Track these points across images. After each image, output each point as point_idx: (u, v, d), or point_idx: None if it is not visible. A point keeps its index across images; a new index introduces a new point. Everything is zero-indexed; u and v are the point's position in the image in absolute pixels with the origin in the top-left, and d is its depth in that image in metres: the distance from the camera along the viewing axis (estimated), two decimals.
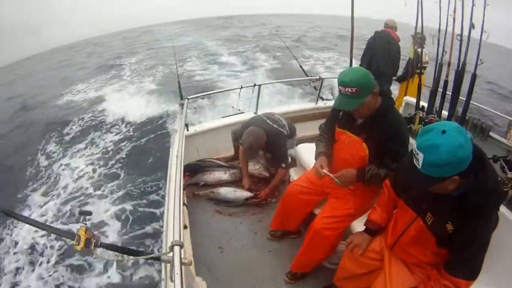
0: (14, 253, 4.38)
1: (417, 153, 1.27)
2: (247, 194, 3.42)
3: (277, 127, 3.30)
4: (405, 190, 1.72)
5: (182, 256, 1.33)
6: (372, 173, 2.03)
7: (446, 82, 2.75)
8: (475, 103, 3.08)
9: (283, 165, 3.25)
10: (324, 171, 2.13)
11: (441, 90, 2.86)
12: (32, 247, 4.43)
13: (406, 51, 5.30)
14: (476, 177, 1.30)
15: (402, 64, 5.50)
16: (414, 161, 1.30)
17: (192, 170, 3.75)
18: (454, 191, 1.34)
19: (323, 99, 4.65)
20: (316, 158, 2.35)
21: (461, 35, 2.48)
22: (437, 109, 2.98)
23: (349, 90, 1.85)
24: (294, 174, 3.13)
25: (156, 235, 4.49)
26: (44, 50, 33.92)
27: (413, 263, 1.73)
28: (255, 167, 3.73)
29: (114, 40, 31.50)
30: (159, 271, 2.94)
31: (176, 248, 1.30)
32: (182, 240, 1.45)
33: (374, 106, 1.98)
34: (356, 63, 4.21)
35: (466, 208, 1.35)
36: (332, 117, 2.35)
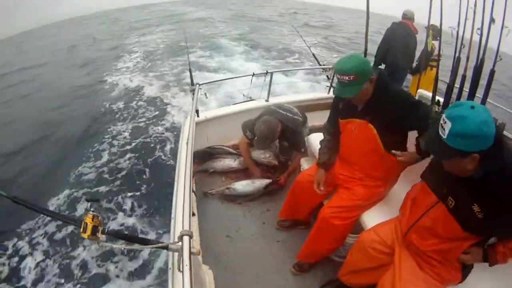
0: (18, 240, 4.37)
1: (445, 122, 1.30)
2: (266, 181, 3.36)
3: (291, 115, 3.28)
4: (430, 171, 1.75)
5: (191, 245, 1.30)
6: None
7: (463, 77, 2.66)
8: (491, 101, 2.98)
9: (303, 150, 3.25)
10: (321, 189, 2.35)
11: (458, 86, 2.78)
12: (38, 234, 4.43)
13: (422, 43, 5.17)
14: (496, 160, 1.32)
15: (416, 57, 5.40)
16: (440, 131, 1.33)
17: (201, 157, 3.74)
18: (473, 172, 1.36)
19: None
20: (318, 162, 2.45)
21: (481, 28, 2.37)
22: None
23: (347, 78, 1.86)
24: (305, 164, 3.09)
25: (163, 222, 4.48)
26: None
27: (425, 252, 1.71)
28: (265, 155, 3.68)
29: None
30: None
31: (186, 238, 1.27)
32: (191, 228, 1.42)
33: (370, 92, 2.00)
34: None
35: (491, 189, 1.36)
36: (333, 111, 2.40)
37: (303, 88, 8.63)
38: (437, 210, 1.61)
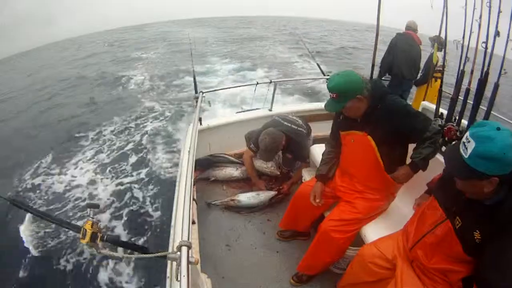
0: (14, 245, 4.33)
1: (468, 141, 1.26)
2: (272, 193, 3.35)
3: (296, 127, 3.28)
4: (440, 187, 1.71)
5: (189, 255, 1.30)
6: (421, 158, 1.99)
7: (468, 90, 2.65)
8: (495, 114, 2.98)
9: (307, 160, 3.24)
10: (317, 201, 2.34)
11: (462, 98, 2.77)
12: (35, 239, 4.39)
13: (425, 54, 5.20)
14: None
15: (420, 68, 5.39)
16: (461, 150, 1.29)
17: (203, 164, 3.73)
18: (488, 197, 1.32)
19: None
20: (317, 174, 2.48)
21: (486, 42, 2.37)
22: (456, 118, 2.88)
23: (331, 95, 1.99)
24: (306, 175, 3.07)
25: (163, 228, 4.46)
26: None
27: (429, 270, 1.67)
28: (267, 165, 3.66)
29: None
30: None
31: (184, 249, 1.27)
32: (190, 238, 1.42)
33: (361, 109, 2.04)
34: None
35: (498, 219, 1.31)
36: (334, 124, 2.44)
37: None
38: (443, 228, 1.58)
